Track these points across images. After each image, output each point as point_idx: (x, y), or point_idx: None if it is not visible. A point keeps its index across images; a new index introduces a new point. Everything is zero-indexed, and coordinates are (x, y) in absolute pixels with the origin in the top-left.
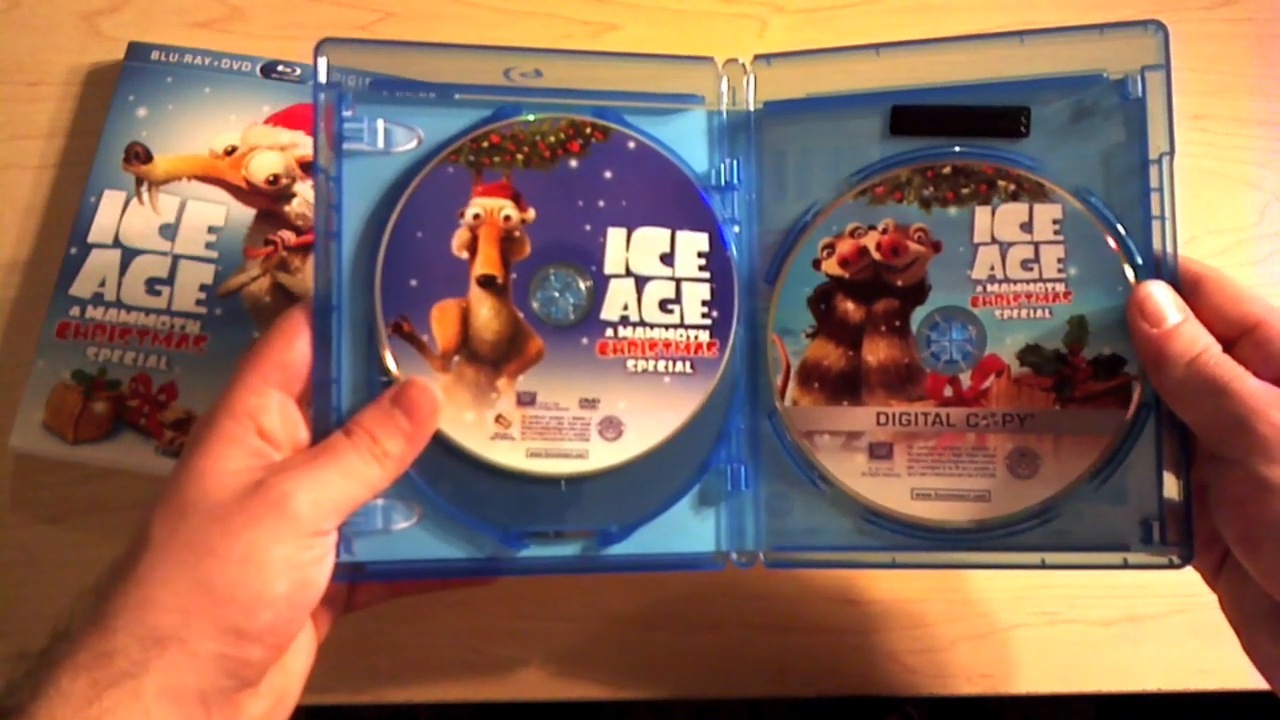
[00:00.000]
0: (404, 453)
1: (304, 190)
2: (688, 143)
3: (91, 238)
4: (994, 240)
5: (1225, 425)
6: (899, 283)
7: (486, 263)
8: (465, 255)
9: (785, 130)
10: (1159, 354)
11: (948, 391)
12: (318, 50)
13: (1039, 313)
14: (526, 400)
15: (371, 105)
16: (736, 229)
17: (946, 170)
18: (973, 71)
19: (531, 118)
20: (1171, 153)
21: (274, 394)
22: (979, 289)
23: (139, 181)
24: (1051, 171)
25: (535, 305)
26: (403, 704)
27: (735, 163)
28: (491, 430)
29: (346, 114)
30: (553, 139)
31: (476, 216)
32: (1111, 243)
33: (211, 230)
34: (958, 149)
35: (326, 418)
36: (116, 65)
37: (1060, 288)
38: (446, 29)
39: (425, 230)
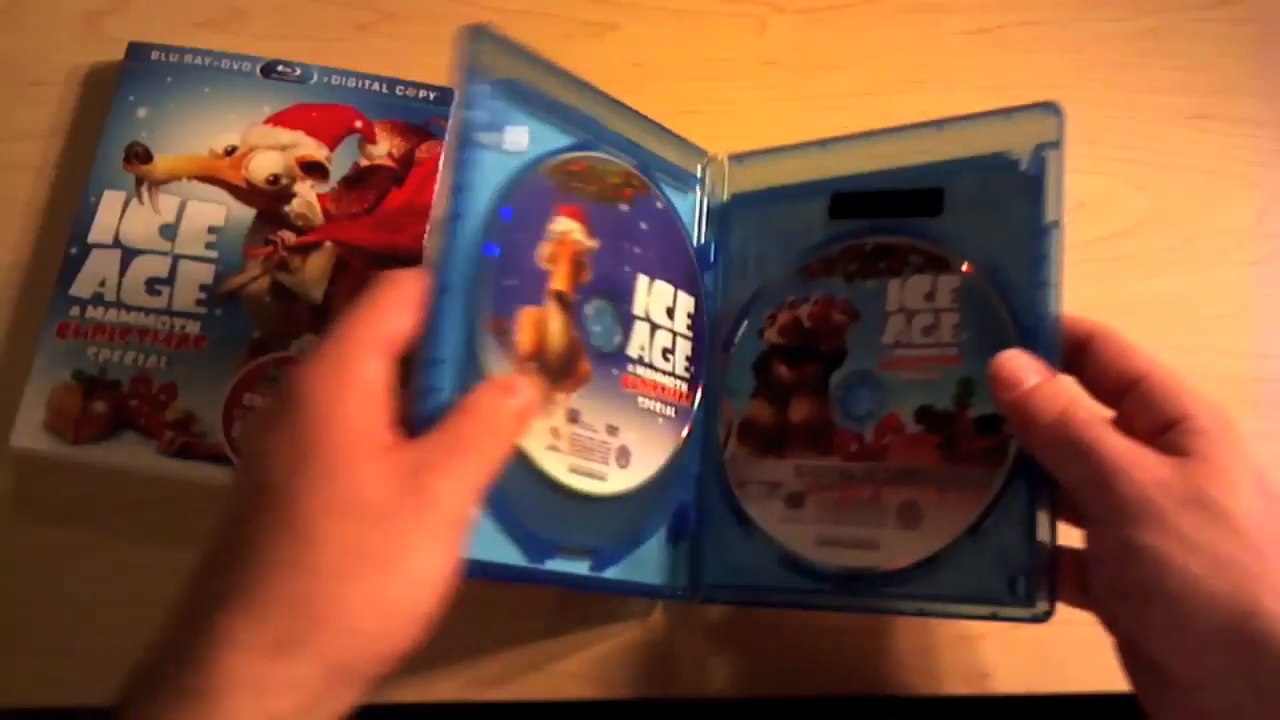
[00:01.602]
0: (515, 441)
1: (304, 190)
2: (688, 217)
3: (91, 238)
4: (901, 309)
5: (1088, 485)
6: (823, 348)
7: (563, 279)
8: (548, 267)
9: (748, 217)
10: (1019, 418)
11: (853, 447)
12: (471, 37)
13: (934, 375)
14: (573, 417)
15: (503, 103)
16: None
17: (869, 248)
18: (901, 158)
19: (604, 155)
20: (1059, 224)
21: (384, 363)
22: (886, 353)
23: (139, 181)
24: (959, 245)
25: (589, 329)
26: (403, 704)
27: (714, 244)
28: (547, 440)
29: (483, 106)
30: (615, 180)
31: (561, 233)
32: (1002, 309)
33: (211, 230)
34: (878, 228)
35: (426, 399)
36: (117, 65)
37: (953, 351)
38: (447, 29)
39: (522, 235)
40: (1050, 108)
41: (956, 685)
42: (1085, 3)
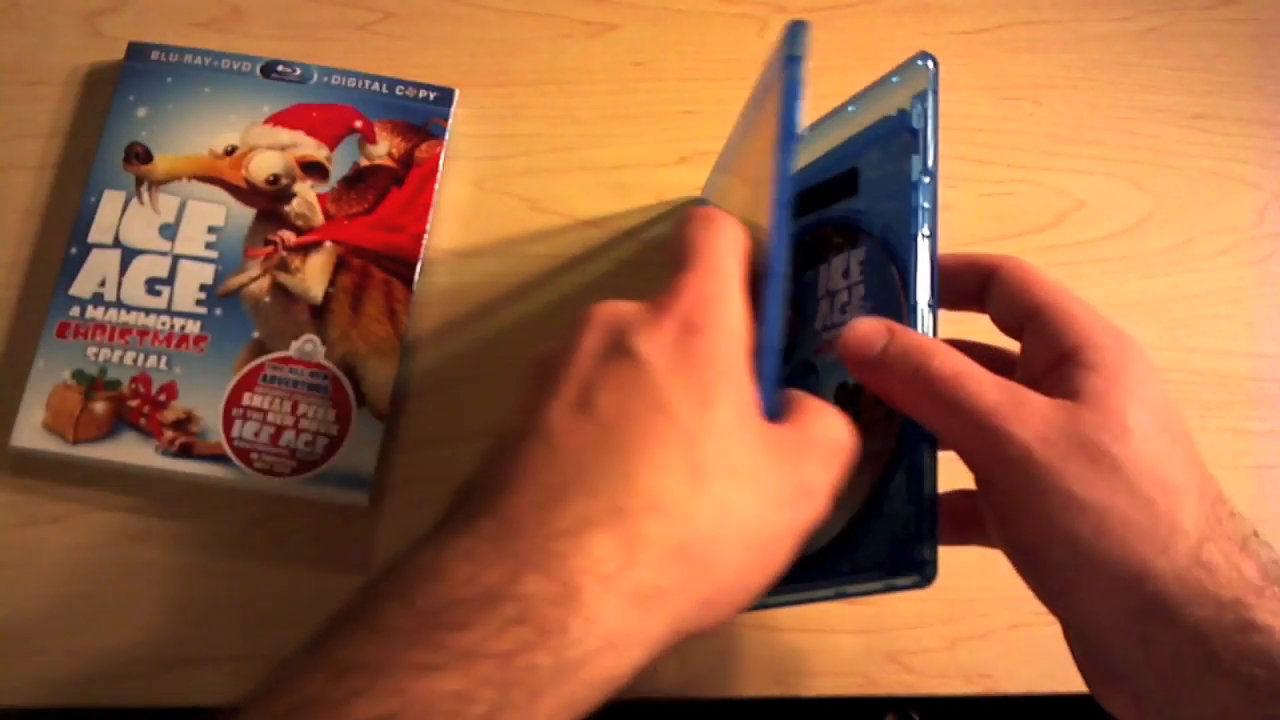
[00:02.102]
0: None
1: (304, 190)
2: None
3: (91, 238)
4: (827, 293)
5: (965, 445)
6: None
7: None
8: None
9: None
10: (879, 389)
11: None
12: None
13: None
14: None
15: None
16: None
17: (806, 241)
18: (827, 145)
19: None
20: (932, 173)
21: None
22: (818, 339)
23: (139, 181)
24: (869, 218)
25: None
26: None
27: None
28: None
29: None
30: None
31: None
32: (894, 272)
33: (211, 230)
34: (810, 223)
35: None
36: (116, 65)
37: None
38: (446, 29)
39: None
40: (925, 57)
41: (956, 685)
42: (1085, 3)
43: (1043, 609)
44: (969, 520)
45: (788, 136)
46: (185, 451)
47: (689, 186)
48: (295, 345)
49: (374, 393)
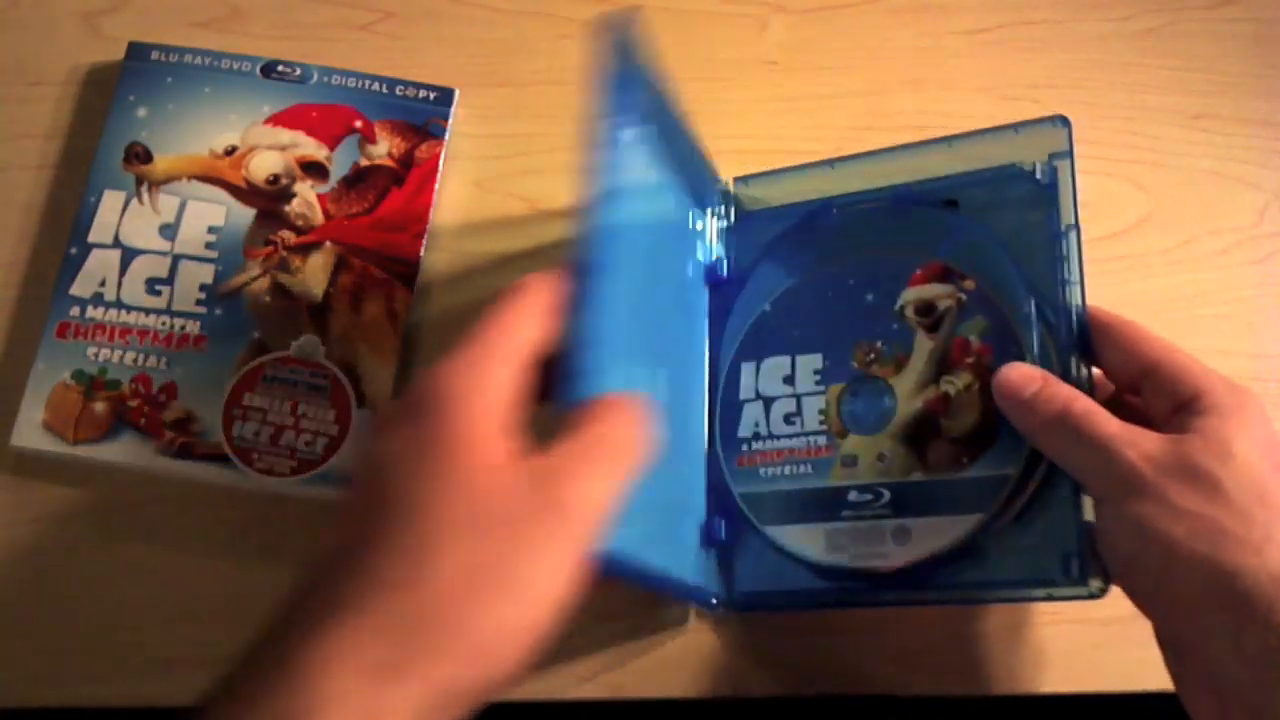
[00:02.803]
0: (641, 462)
1: (304, 190)
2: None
3: (91, 237)
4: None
5: (1087, 469)
6: None
7: None
8: None
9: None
10: (1023, 421)
11: None
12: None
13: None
14: None
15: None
16: None
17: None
18: (908, 174)
19: None
20: (1077, 227)
21: (515, 371)
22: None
23: (139, 181)
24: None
25: None
26: None
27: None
28: None
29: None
30: None
31: None
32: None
33: (211, 230)
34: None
35: (582, 383)
36: (116, 65)
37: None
38: (447, 29)
39: None
40: (1060, 119)
41: (957, 685)
42: (1085, 3)
43: (1043, 609)
44: None
45: (609, 127)
46: (185, 452)
47: None
48: (295, 345)
49: (374, 393)
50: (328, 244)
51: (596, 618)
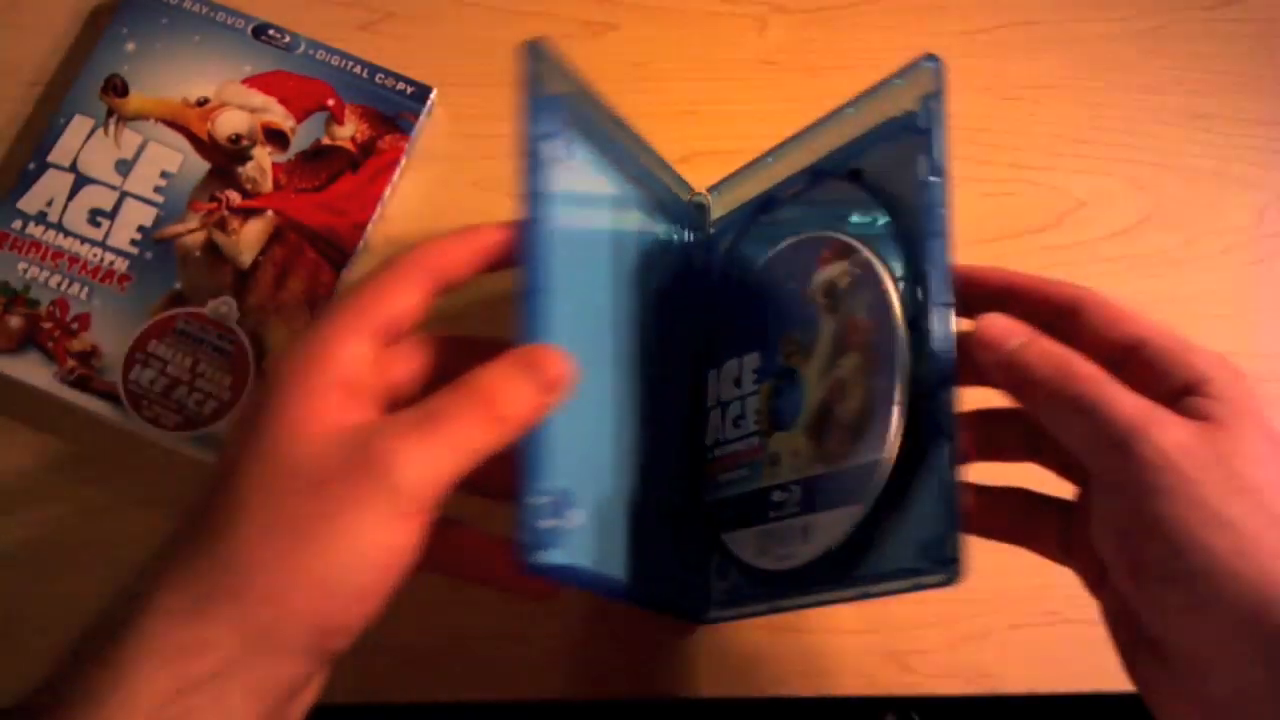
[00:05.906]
0: (519, 426)
1: (260, 155)
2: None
3: (51, 157)
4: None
5: (1100, 448)
6: None
7: None
8: None
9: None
10: (1012, 377)
11: None
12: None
13: None
14: None
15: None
16: None
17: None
18: (827, 147)
19: None
20: (943, 173)
21: (370, 345)
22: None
23: (109, 113)
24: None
25: None
26: (402, 704)
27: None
28: None
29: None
30: None
31: None
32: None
33: (164, 175)
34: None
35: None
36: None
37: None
38: (447, 29)
39: None
40: (931, 58)
41: (957, 685)
42: (1085, 3)
43: (1043, 610)
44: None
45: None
46: (82, 383)
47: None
48: (212, 305)
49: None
50: (270, 213)
51: (591, 617)
